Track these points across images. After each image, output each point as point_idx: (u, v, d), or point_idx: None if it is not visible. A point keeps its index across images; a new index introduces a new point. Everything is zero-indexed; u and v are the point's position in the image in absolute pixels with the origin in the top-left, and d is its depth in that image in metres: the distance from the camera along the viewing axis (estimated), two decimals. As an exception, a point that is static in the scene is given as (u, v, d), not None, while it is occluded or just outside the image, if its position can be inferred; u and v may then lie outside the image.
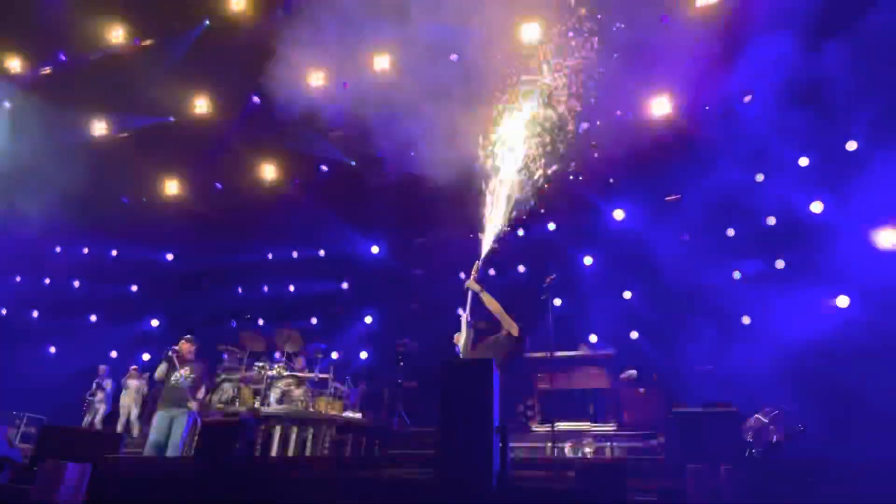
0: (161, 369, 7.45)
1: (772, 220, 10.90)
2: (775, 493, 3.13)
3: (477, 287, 5.93)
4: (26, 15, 11.53)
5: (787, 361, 9.05)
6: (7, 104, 12.49)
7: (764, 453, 5.06)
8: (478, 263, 6.20)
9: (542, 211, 11.89)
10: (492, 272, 12.40)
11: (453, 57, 10.41)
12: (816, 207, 10.44)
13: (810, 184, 10.42)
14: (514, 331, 6.02)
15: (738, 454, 3.61)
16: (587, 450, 8.28)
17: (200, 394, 7.45)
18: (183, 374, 7.32)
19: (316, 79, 11.85)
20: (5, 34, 11.77)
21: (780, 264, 10.75)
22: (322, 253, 14.44)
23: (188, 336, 7.73)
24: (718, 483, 2.81)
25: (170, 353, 7.43)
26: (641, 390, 9.28)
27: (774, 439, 5.18)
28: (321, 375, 9.29)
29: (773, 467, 3.76)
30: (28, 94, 12.48)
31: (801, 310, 9.96)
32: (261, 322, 12.56)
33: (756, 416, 5.61)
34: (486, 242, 6.33)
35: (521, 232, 12.54)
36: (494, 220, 6.46)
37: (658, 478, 3.48)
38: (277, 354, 9.94)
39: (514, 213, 6.50)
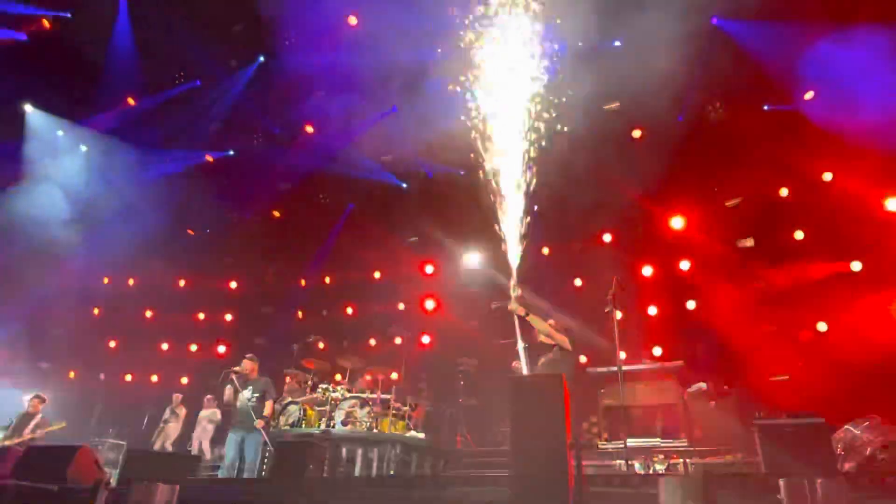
0: (228, 393, 7.73)
1: (844, 220, 10.32)
2: (879, 509, 2.93)
3: (522, 310, 5.79)
4: (96, 65, 12.40)
5: (869, 368, 8.50)
6: (83, 148, 13.33)
7: (859, 466, 4.75)
8: (513, 282, 6.01)
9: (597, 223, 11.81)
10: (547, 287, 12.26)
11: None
12: (893, 204, 9.84)
13: (885, 179, 9.84)
14: (566, 344, 5.91)
15: (831, 467, 3.41)
16: (658, 467, 7.98)
17: (267, 410, 7.63)
18: (247, 395, 7.56)
19: (362, 108, 12.21)
20: (78, 84, 12.63)
21: (856, 266, 10.16)
22: (377, 275, 14.64)
23: (249, 356, 7.99)
24: (817, 498, 2.66)
25: (231, 375, 7.67)
26: (712, 403, 8.88)
27: (869, 451, 4.85)
28: (383, 396, 9.37)
29: (873, 480, 3.53)
30: (100, 137, 13.32)
31: (880, 313, 9.38)
32: (321, 345, 12.79)
33: (846, 427, 5.28)
34: (513, 257, 6.14)
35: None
36: (514, 230, 6.27)
37: (747, 493, 3.32)
38: (339, 376, 10.10)
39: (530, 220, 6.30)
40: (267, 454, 8.05)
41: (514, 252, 6.16)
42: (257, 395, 7.57)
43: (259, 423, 7.36)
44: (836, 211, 10.29)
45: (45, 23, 11.46)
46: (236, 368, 7.78)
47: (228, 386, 7.70)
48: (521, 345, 5.81)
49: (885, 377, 8.33)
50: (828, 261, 10.21)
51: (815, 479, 2.72)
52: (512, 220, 6.25)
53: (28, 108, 12.71)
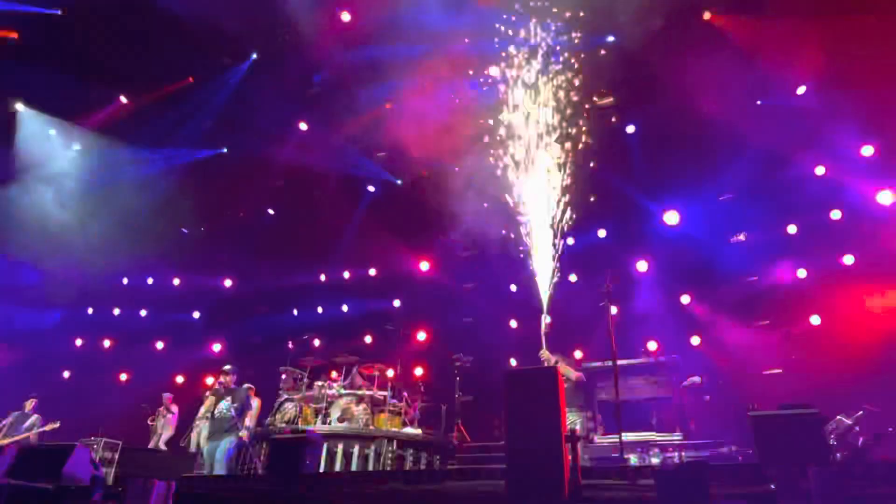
0: (208, 403, 7.91)
1: (836, 214, 10.38)
2: (870, 496, 2.96)
3: (552, 358, 6.62)
4: (90, 62, 12.27)
5: (860, 361, 8.58)
6: (76, 146, 13.24)
7: (851, 456, 4.79)
8: (545, 326, 6.75)
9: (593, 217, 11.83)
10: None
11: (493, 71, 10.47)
12: (885, 198, 9.90)
13: (876, 173, 9.91)
14: (583, 378, 7.11)
15: (824, 457, 3.44)
16: (654, 461, 8.03)
17: (248, 420, 7.73)
18: (226, 403, 7.67)
19: (356, 104, 12.16)
20: (73, 81, 12.51)
21: (848, 260, 10.22)
22: (373, 272, 14.63)
23: (226, 368, 8.07)
24: (809, 486, 2.68)
25: (208, 392, 7.95)
26: (706, 397, 8.93)
27: (861, 442, 4.90)
28: (379, 393, 9.39)
29: (865, 469, 3.55)
30: (94, 135, 13.23)
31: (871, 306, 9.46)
32: (317, 342, 12.79)
33: (838, 417, 5.32)
34: (543, 298, 6.66)
35: (570, 241, 12.36)
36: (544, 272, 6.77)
37: (741, 483, 3.35)
38: (335, 373, 10.11)
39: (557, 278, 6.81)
40: (247, 459, 8.21)
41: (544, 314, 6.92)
42: (236, 405, 7.70)
43: (244, 434, 7.53)
44: (830, 205, 10.37)
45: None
46: (216, 386, 8.00)
47: (211, 397, 7.94)
48: None
49: (876, 369, 8.41)
50: (820, 254, 10.27)
51: (807, 469, 2.74)
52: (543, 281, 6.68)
53: (19, 106, 12.60)
